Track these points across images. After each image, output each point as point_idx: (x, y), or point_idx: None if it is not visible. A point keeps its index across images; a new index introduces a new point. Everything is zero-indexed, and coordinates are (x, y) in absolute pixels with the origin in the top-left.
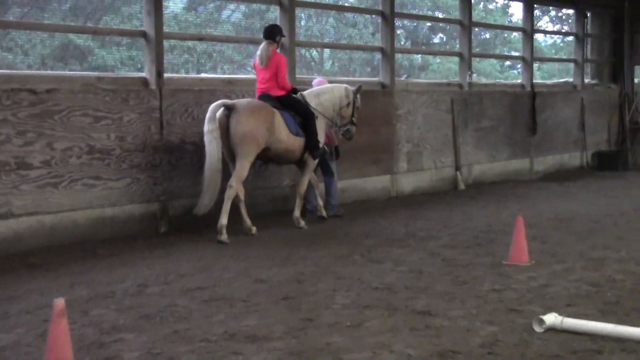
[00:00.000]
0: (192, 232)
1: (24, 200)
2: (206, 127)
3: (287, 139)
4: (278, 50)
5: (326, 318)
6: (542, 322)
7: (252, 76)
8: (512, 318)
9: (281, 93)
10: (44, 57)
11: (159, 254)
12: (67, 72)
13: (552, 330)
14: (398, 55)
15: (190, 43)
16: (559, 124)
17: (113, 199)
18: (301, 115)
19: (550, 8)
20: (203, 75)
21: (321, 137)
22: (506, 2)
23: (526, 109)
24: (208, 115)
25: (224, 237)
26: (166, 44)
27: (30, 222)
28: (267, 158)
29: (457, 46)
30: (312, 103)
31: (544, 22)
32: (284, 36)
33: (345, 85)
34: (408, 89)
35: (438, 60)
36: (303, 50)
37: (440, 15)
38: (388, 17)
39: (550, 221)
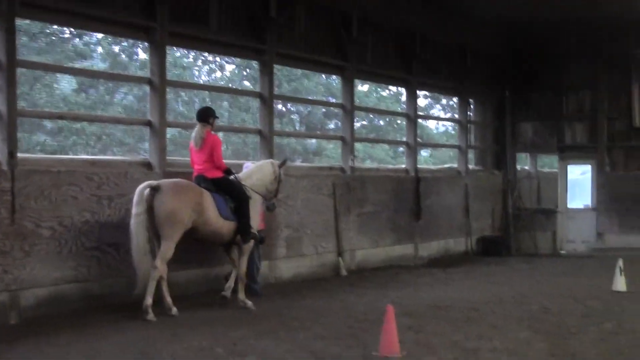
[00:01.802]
0: (47, 324)
1: None
2: (134, 210)
3: (216, 221)
4: (212, 132)
5: None
6: None
7: (118, 157)
8: None
9: (217, 174)
10: None
11: (2, 349)
12: None
13: None
14: (292, 140)
15: (78, 125)
16: (443, 210)
17: None
18: (235, 199)
19: (442, 97)
20: (62, 156)
21: (257, 220)
22: (398, 89)
23: (410, 194)
24: (135, 198)
25: (151, 316)
26: (54, 125)
27: None
28: (195, 238)
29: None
30: (248, 184)
31: (437, 110)
32: (217, 117)
33: (271, 160)
34: (288, 173)
35: (332, 146)
36: None
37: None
38: (266, 100)
39: (428, 309)
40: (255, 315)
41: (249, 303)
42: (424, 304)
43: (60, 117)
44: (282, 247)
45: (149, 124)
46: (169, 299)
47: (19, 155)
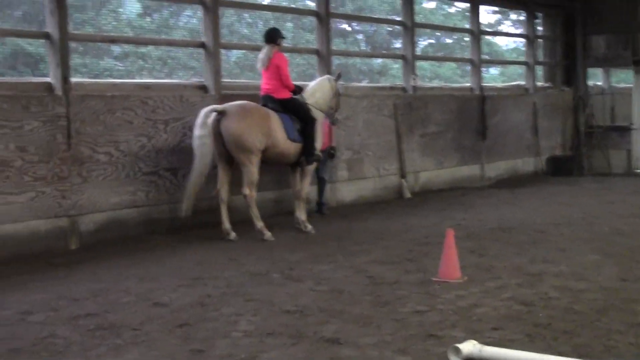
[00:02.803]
0: (105, 248)
1: None
2: (197, 132)
3: (283, 143)
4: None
5: (220, 349)
6: (458, 351)
7: (173, 81)
8: (429, 346)
9: (285, 95)
10: None
11: (60, 274)
12: None
13: None
14: (357, 60)
15: (144, 49)
16: (510, 129)
17: (14, 214)
18: (302, 120)
19: (511, 12)
20: (115, 80)
21: (320, 140)
22: (466, 5)
23: (475, 113)
24: (199, 120)
25: (268, 235)
26: (120, 50)
27: None
28: (263, 161)
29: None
30: (311, 102)
31: (506, 26)
32: (284, 38)
33: (327, 76)
34: (347, 93)
35: (397, 65)
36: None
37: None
38: (323, 18)
39: (492, 231)
40: (315, 239)
41: (309, 226)
42: (488, 226)
43: (112, 40)
44: (343, 169)
45: (202, 45)
46: (227, 224)
47: (73, 80)
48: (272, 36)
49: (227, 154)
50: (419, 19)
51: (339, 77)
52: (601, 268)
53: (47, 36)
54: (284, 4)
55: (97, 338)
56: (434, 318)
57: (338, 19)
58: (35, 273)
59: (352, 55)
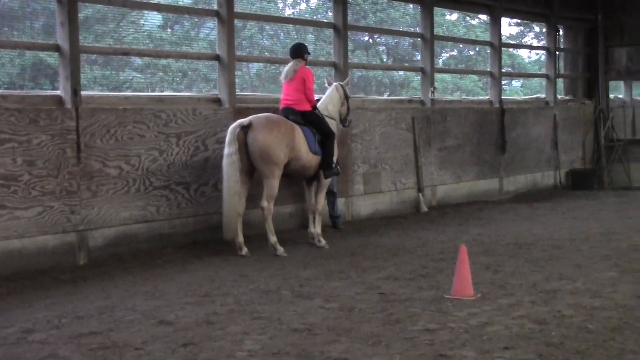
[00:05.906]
0: (114, 264)
1: None
2: (226, 150)
3: (306, 156)
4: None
5: None
6: None
7: (186, 94)
8: None
9: (307, 107)
10: (13, 76)
11: (65, 291)
12: None
13: None
14: (378, 72)
15: (165, 61)
16: (530, 142)
17: (21, 229)
18: (322, 134)
19: (534, 24)
20: (127, 93)
21: (337, 153)
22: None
23: (495, 127)
24: (228, 137)
25: (280, 251)
26: (140, 61)
27: None
28: (283, 173)
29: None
30: (325, 114)
31: (529, 38)
32: (309, 53)
33: (335, 84)
34: (364, 107)
35: (418, 78)
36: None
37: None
38: (341, 31)
39: (508, 247)
40: (328, 254)
41: (323, 241)
42: (504, 241)
43: (125, 53)
44: (359, 183)
45: (217, 58)
46: (241, 238)
47: (83, 93)
48: (299, 51)
49: (249, 166)
50: (441, 30)
51: (346, 83)
52: (617, 285)
53: (57, 48)
54: (306, 16)
55: (99, 358)
56: (445, 337)
57: (359, 32)
58: (41, 289)
59: (369, 68)
